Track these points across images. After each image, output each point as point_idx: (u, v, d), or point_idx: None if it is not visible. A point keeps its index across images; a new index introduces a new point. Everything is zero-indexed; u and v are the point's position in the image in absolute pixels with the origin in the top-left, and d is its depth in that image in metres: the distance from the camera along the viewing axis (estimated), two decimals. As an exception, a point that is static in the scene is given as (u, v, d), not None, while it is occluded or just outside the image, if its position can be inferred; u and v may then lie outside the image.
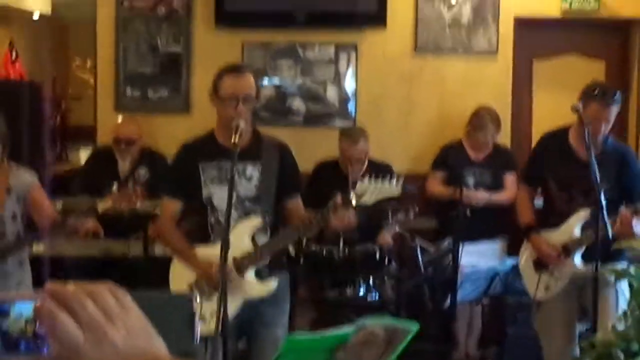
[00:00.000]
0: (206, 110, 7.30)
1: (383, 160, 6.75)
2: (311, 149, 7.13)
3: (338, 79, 7.57)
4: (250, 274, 4.46)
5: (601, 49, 7.69)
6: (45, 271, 5.71)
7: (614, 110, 5.19)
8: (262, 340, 4.59)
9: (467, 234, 5.97)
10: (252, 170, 4.54)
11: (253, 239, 4.49)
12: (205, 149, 4.61)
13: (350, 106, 7.60)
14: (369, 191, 4.35)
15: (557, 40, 7.71)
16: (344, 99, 7.59)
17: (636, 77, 7.39)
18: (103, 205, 4.90)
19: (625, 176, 5.32)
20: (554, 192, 5.46)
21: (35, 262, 5.46)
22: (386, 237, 6.16)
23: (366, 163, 6.47)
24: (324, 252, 5.78)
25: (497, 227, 6.72)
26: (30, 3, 12.40)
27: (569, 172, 5.32)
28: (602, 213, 4.72)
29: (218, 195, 4.49)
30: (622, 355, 3.43)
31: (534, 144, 7.34)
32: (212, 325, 4.05)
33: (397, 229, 6.01)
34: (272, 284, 4.49)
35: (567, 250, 5.30)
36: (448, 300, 5.97)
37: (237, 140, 4.11)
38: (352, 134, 6.52)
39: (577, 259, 5.30)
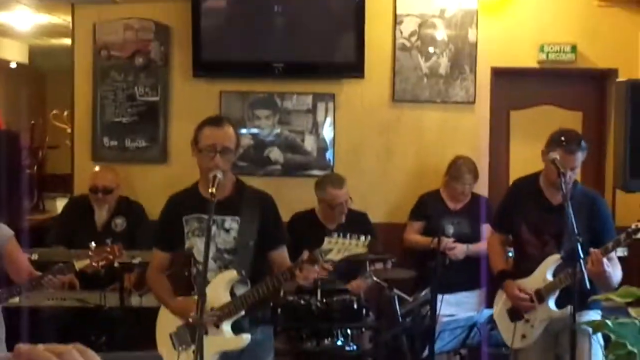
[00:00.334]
0: (184, 159, 7.37)
1: (359, 209, 6.74)
2: (289, 198, 7.10)
3: (316, 129, 7.58)
4: (226, 327, 4.44)
5: (578, 100, 7.73)
6: (20, 322, 5.65)
7: (580, 157, 5.23)
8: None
9: (446, 284, 5.95)
10: (231, 223, 4.54)
11: (232, 292, 4.48)
12: (188, 202, 4.65)
13: (328, 155, 7.60)
14: (336, 248, 4.35)
15: (534, 90, 7.76)
16: (322, 149, 7.60)
17: (613, 128, 7.41)
18: (80, 263, 4.87)
19: (595, 221, 5.31)
20: (526, 237, 5.47)
21: (10, 313, 5.39)
22: (358, 282, 6.14)
23: (346, 210, 6.48)
24: (302, 302, 5.74)
25: (476, 278, 6.69)
26: (7, 52, 12.43)
27: (540, 217, 5.34)
28: (580, 261, 4.72)
29: (199, 247, 4.49)
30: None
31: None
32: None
33: (374, 279, 5.97)
34: (245, 338, 4.47)
35: (540, 296, 5.30)
36: (426, 351, 5.93)
37: (214, 191, 4.12)
38: (334, 179, 6.54)
39: (552, 304, 5.29)
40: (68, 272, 5.01)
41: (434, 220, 6.78)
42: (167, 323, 4.68)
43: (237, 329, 4.49)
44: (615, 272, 5.08)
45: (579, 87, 7.78)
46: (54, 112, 11.02)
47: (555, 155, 5.03)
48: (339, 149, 7.61)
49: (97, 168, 7.00)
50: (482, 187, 7.27)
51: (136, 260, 5.66)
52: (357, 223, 6.58)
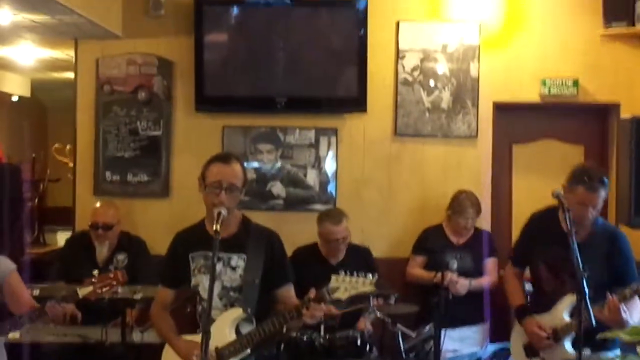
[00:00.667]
0: (186, 194, 7.38)
1: (362, 244, 6.72)
2: (292, 233, 7.06)
3: (318, 163, 7.58)
4: (231, 365, 4.41)
5: (580, 134, 7.73)
6: (22, 358, 5.62)
7: (602, 195, 5.13)
8: None
9: (449, 319, 5.91)
10: (238, 261, 4.53)
11: (237, 330, 4.45)
12: (194, 239, 4.63)
13: (331, 190, 7.59)
14: (343, 287, 4.33)
15: (536, 124, 7.75)
16: (324, 183, 7.59)
17: (615, 162, 7.42)
18: (83, 290, 4.86)
19: (616, 259, 5.21)
20: (544, 274, 5.36)
21: (11, 348, 5.37)
22: (365, 323, 6.10)
23: (346, 245, 6.47)
24: (305, 338, 5.71)
25: (479, 312, 6.67)
26: (9, 86, 12.46)
27: (559, 255, 5.15)
28: (585, 301, 4.65)
29: (204, 284, 4.46)
30: None
31: (514, 227, 7.39)
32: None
33: (377, 314, 5.94)
34: None
35: (556, 335, 5.22)
36: (431, 387, 5.89)
37: (218, 228, 4.10)
38: (333, 215, 6.52)
39: (568, 346, 5.19)
40: (71, 299, 5.00)
41: (437, 254, 6.76)
42: None
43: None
44: (633, 314, 4.97)
45: (581, 122, 7.77)
46: (56, 145, 11.03)
47: (561, 190, 4.97)
48: (342, 183, 7.61)
49: (97, 204, 6.97)
50: (484, 221, 7.26)
51: (138, 296, 5.61)
52: (359, 258, 6.58)
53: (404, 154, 7.59)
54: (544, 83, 7.45)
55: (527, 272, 5.68)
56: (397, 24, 7.51)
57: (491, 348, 6.08)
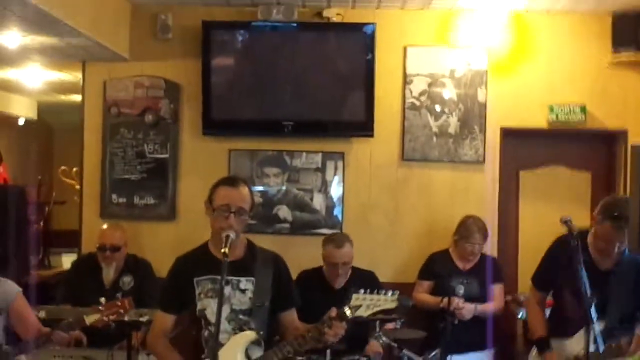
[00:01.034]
0: (192, 217, 7.36)
1: (367, 268, 6.69)
2: (298, 256, 7.05)
3: (325, 187, 7.58)
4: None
5: (587, 160, 7.73)
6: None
7: (627, 232, 5.10)
8: None
9: (455, 344, 5.89)
10: (246, 284, 4.48)
11: (246, 354, 4.41)
12: (199, 263, 4.54)
13: (337, 214, 7.59)
14: (365, 304, 4.30)
15: (543, 150, 7.76)
16: (330, 207, 7.59)
17: (622, 189, 7.40)
18: (91, 318, 4.84)
19: None
20: (569, 300, 5.25)
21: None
22: (376, 346, 6.06)
23: (350, 269, 6.44)
24: (311, 363, 5.67)
25: (484, 338, 6.64)
26: (16, 108, 12.49)
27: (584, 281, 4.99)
28: (593, 323, 4.61)
29: (212, 308, 4.38)
30: None
31: (520, 254, 7.38)
32: None
33: (384, 339, 5.91)
34: None
35: None
36: (437, 413, 5.85)
37: (227, 251, 4.06)
38: (335, 239, 6.48)
39: None
40: (77, 327, 4.98)
41: (444, 280, 6.73)
42: None
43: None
44: None
45: (588, 148, 7.77)
46: (62, 168, 11.00)
47: (569, 217, 4.90)
48: (348, 207, 7.60)
49: (105, 226, 6.96)
50: (491, 247, 7.23)
51: (144, 319, 5.57)
52: (363, 282, 6.52)
53: (410, 179, 7.59)
54: (551, 109, 7.46)
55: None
56: (405, 49, 7.53)
57: (496, 374, 6.05)
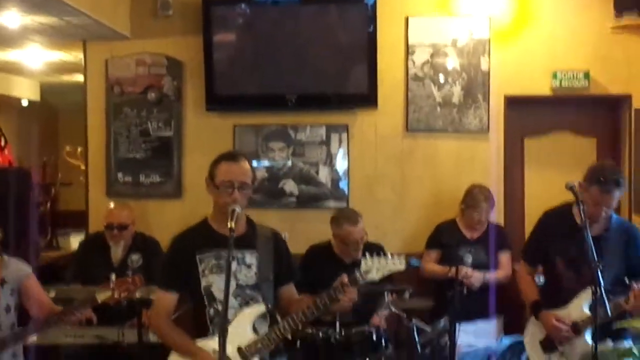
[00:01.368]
0: (198, 194, 7.32)
1: (374, 241, 6.68)
2: (304, 230, 7.11)
3: (330, 160, 7.57)
4: (254, 362, 4.37)
5: (592, 126, 7.71)
6: (39, 360, 5.64)
7: (616, 196, 5.13)
8: None
9: (464, 313, 5.89)
10: (251, 258, 4.47)
11: (254, 327, 4.42)
12: (200, 239, 4.51)
13: (343, 186, 7.59)
14: (375, 268, 4.34)
15: (547, 117, 7.74)
16: (336, 180, 7.59)
17: (627, 153, 7.40)
18: (102, 295, 4.86)
19: (632, 251, 5.25)
20: (562, 270, 5.36)
21: (28, 350, 5.38)
22: (379, 319, 6.08)
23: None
24: (321, 334, 5.69)
25: (494, 306, 6.64)
26: (19, 90, 12.47)
27: (577, 251, 5.07)
28: (601, 292, 4.62)
29: (218, 284, 4.37)
30: None
31: (527, 221, 7.37)
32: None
33: (393, 309, 5.92)
34: None
35: (576, 328, 5.21)
36: (447, 381, 5.87)
37: (233, 225, 4.04)
38: (349, 216, 6.44)
39: (588, 338, 5.16)
40: (90, 305, 4.99)
41: (451, 249, 6.74)
42: None
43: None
44: None
45: (592, 114, 7.75)
46: (67, 148, 11.01)
47: (574, 182, 4.94)
48: (354, 180, 7.60)
49: (112, 205, 6.99)
50: (497, 215, 7.23)
51: (153, 296, 5.61)
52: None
53: (415, 150, 7.58)
54: (555, 76, 7.44)
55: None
56: (407, 20, 7.50)
57: (506, 341, 6.05)
